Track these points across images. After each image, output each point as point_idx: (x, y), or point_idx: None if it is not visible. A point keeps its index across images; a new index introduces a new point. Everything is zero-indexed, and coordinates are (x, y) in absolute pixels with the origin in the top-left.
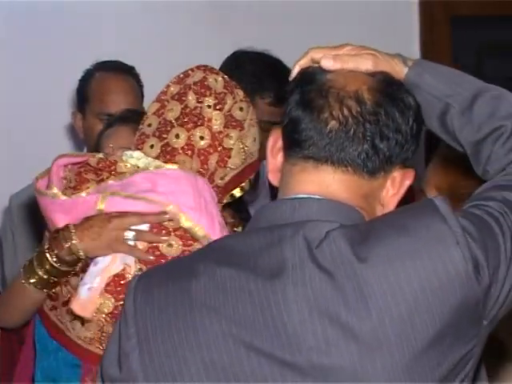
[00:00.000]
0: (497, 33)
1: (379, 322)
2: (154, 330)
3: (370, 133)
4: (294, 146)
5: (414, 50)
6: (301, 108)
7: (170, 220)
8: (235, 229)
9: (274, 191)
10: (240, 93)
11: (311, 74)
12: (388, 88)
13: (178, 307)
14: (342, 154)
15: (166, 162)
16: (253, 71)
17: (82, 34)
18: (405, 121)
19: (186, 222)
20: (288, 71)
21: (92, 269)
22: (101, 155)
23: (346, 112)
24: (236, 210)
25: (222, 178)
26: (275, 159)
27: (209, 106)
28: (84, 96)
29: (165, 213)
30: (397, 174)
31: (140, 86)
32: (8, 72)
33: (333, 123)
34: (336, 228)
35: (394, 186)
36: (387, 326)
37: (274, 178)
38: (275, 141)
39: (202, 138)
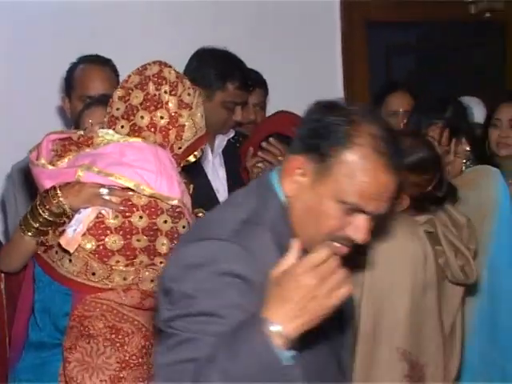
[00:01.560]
0: (401, 35)
1: None
2: None
3: None
4: None
5: (337, 51)
6: None
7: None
8: (189, 186)
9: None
10: (187, 82)
11: None
12: None
13: None
14: None
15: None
16: (219, 63)
17: (73, 33)
18: None
19: (148, 190)
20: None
21: (77, 216)
22: (81, 132)
23: None
24: (188, 172)
25: (179, 148)
26: None
27: (165, 92)
28: (70, 83)
29: (129, 189)
30: None
31: (116, 75)
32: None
33: None
34: None
35: None
36: None
37: None
38: None
39: (161, 117)
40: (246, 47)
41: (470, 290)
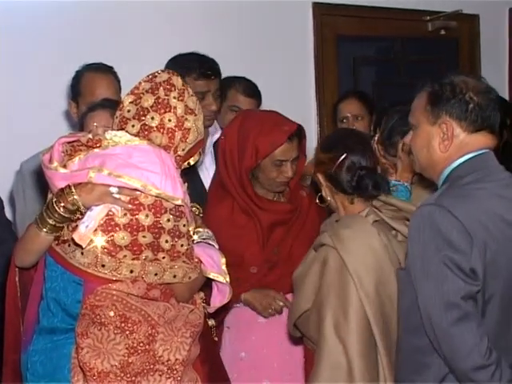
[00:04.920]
0: (366, 49)
1: None
2: None
3: None
4: None
5: (310, 63)
6: None
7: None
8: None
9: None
10: (190, 90)
11: None
12: None
13: None
14: None
15: (143, 138)
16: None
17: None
18: None
19: (154, 191)
20: None
21: (89, 213)
22: (90, 135)
23: None
24: (185, 173)
25: (183, 150)
26: None
27: (174, 98)
28: (77, 90)
29: (136, 189)
30: None
31: (118, 81)
32: (23, 71)
33: None
34: None
35: None
36: None
37: None
38: None
39: (170, 120)
40: (229, 61)
41: None
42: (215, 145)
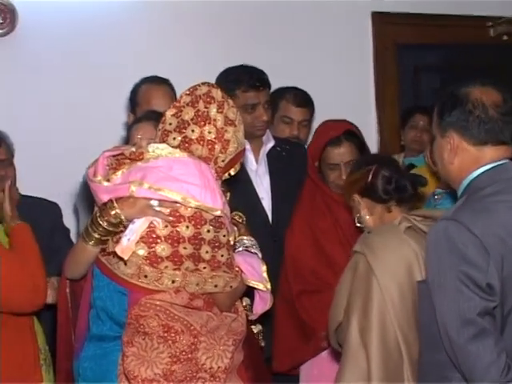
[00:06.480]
0: (426, 56)
1: None
2: None
3: None
4: None
5: (369, 72)
6: None
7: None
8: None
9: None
10: (230, 101)
11: None
12: None
13: None
14: None
15: (184, 150)
16: (225, 76)
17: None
18: None
19: (194, 203)
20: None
21: (131, 226)
22: (132, 149)
23: None
24: (234, 181)
25: (223, 161)
26: None
27: (213, 110)
28: (135, 101)
29: (176, 202)
30: None
31: (173, 92)
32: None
33: None
34: None
35: None
36: None
37: None
38: None
39: (209, 132)
40: (285, 71)
41: None
42: (269, 154)
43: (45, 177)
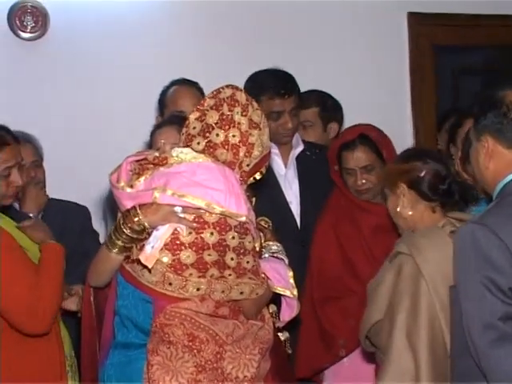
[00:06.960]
0: (464, 58)
1: None
2: None
3: None
4: None
5: (405, 74)
6: None
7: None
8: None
9: None
10: (255, 104)
11: None
12: None
13: None
14: None
15: (209, 155)
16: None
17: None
18: None
19: (218, 209)
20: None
21: (155, 233)
22: (156, 153)
23: None
24: (262, 185)
25: (247, 165)
26: None
27: (238, 113)
28: (163, 103)
29: (200, 208)
30: None
31: (202, 94)
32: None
33: None
34: None
35: None
36: None
37: None
38: None
39: (234, 136)
40: (322, 72)
41: None
42: (298, 158)
43: (73, 181)
